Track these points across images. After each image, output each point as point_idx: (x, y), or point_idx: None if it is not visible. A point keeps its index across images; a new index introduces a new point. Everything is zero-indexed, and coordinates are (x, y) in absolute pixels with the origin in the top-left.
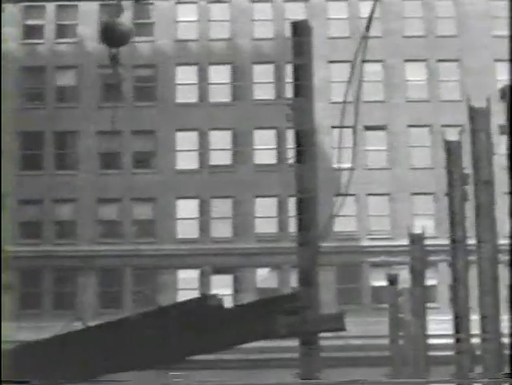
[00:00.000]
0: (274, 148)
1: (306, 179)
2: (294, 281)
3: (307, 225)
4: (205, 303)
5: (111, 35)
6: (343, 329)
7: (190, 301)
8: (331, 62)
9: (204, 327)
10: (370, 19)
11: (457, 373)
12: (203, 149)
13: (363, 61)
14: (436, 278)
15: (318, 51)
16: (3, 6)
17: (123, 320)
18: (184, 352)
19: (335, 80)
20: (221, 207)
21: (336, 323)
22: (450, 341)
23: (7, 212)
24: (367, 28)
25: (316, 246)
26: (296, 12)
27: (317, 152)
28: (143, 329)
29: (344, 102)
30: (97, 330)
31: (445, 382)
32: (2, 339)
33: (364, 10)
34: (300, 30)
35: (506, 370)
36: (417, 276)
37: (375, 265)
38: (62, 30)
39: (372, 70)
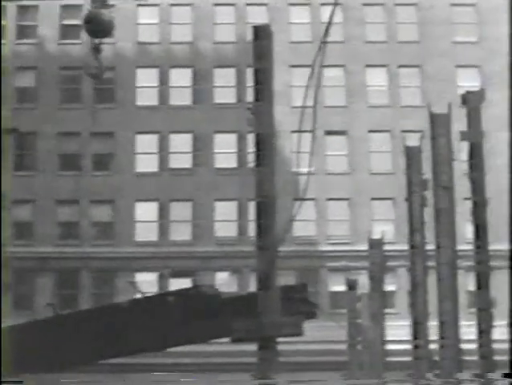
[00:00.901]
0: (234, 152)
1: (266, 183)
2: (253, 285)
3: (266, 229)
4: (202, 292)
5: (95, 26)
6: (300, 334)
7: (187, 289)
8: (293, 66)
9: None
10: (329, 24)
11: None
12: (163, 152)
13: (324, 66)
14: (395, 284)
15: (279, 56)
16: (3, 4)
17: (114, 306)
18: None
19: (296, 85)
20: (181, 210)
21: (293, 328)
22: (408, 346)
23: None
24: (326, 33)
25: (275, 250)
26: (258, 16)
27: (277, 157)
28: (134, 315)
29: (303, 106)
30: (87, 315)
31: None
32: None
33: (326, 14)
34: (261, 34)
35: (466, 375)
36: (376, 281)
37: (335, 269)
38: (22, 31)
39: (333, 75)
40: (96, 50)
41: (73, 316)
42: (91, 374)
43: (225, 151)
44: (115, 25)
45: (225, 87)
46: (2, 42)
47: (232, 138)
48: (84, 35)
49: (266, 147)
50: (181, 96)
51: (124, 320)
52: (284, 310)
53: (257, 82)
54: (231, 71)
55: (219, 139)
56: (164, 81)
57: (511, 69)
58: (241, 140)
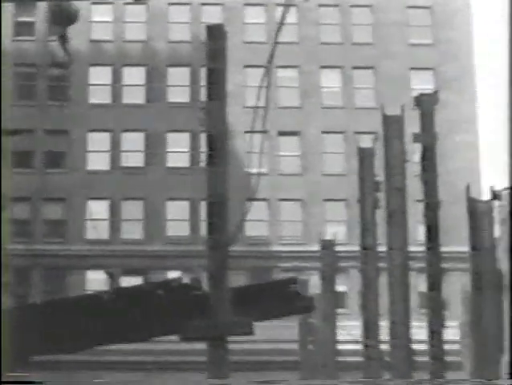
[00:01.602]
0: (187, 151)
1: (218, 183)
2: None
3: (218, 229)
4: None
5: (61, 15)
6: (251, 333)
7: (171, 280)
8: (247, 66)
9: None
10: (281, 25)
11: (366, 379)
12: (115, 150)
13: (279, 66)
14: (347, 284)
15: (233, 56)
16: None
17: (99, 295)
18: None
19: (251, 85)
20: (133, 209)
21: (244, 328)
22: (359, 347)
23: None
24: (277, 34)
25: (226, 250)
26: (213, 16)
27: (230, 157)
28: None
29: (256, 107)
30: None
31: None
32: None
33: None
34: (215, 33)
35: (417, 376)
36: (328, 282)
37: (286, 270)
38: None
39: (288, 76)
40: (63, 39)
41: (56, 303)
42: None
43: (178, 150)
44: (80, 15)
45: (178, 86)
46: None
47: (185, 137)
48: (40, 31)
49: (218, 146)
50: (134, 95)
51: (109, 309)
52: (279, 306)
53: (210, 81)
54: (185, 71)
55: (172, 138)
56: (117, 79)
57: (511, 69)
58: (194, 140)
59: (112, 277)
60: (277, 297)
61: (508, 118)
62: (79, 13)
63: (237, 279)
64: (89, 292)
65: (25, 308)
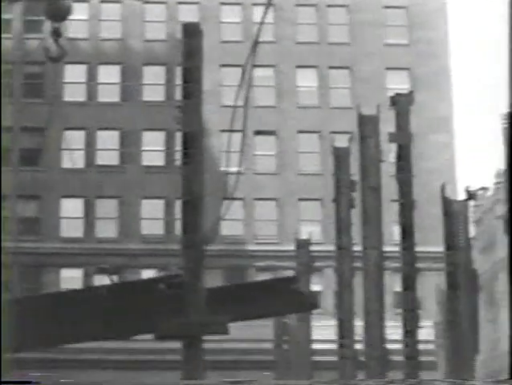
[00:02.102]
0: (162, 150)
1: (193, 181)
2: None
3: (193, 228)
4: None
5: (54, 10)
6: (225, 333)
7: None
8: (223, 65)
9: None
10: (261, 24)
11: (341, 378)
12: (90, 148)
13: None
14: (322, 284)
15: (210, 54)
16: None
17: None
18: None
19: (227, 84)
20: (107, 207)
21: (219, 327)
22: (334, 346)
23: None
24: (258, 33)
25: (201, 249)
26: (189, 15)
27: (206, 155)
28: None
29: (233, 106)
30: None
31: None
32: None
33: (258, 14)
34: (191, 32)
35: (391, 375)
36: (303, 281)
37: (262, 269)
38: None
39: (264, 75)
40: (56, 33)
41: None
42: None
43: (153, 148)
44: (72, 9)
45: (154, 84)
46: None
47: (160, 136)
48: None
49: (194, 145)
50: (110, 93)
51: (112, 303)
52: (284, 303)
53: (186, 80)
54: (161, 69)
55: (147, 136)
56: (92, 77)
57: (511, 67)
58: (170, 138)
59: (106, 272)
60: (280, 294)
61: (508, 118)
62: (71, 8)
63: (213, 278)
64: (88, 286)
65: (21, 301)
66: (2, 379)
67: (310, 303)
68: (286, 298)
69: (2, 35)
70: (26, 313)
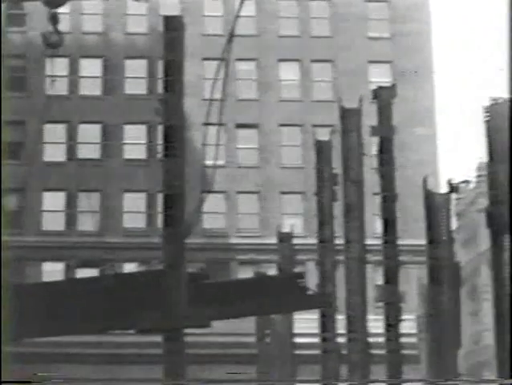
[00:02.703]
0: (144, 143)
1: (174, 174)
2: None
3: (174, 221)
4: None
5: None
6: (207, 325)
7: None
8: (205, 59)
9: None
10: (237, 17)
11: (323, 373)
12: (72, 142)
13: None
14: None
15: (192, 48)
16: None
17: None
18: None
19: (209, 77)
20: (89, 200)
21: (200, 320)
22: (317, 340)
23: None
24: (234, 26)
25: (183, 242)
26: (171, 8)
27: (187, 149)
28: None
29: (213, 99)
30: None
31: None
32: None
33: (243, 8)
34: (173, 25)
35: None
36: (285, 274)
37: (244, 262)
38: None
39: (246, 69)
40: (54, 19)
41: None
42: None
43: (135, 142)
44: None
45: (136, 78)
46: None
47: (142, 129)
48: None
49: (175, 138)
50: (91, 86)
51: (110, 294)
52: (297, 299)
53: (167, 73)
54: (143, 63)
55: (129, 130)
56: (74, 70)
57: (511, 67)
58: (152, 132)
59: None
60: (292, 290)
61: (508, 118)
62: None
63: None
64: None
65: (23, 287)
66: (2, 379)
67: (320, 301)
68: (295, 296)
69: None
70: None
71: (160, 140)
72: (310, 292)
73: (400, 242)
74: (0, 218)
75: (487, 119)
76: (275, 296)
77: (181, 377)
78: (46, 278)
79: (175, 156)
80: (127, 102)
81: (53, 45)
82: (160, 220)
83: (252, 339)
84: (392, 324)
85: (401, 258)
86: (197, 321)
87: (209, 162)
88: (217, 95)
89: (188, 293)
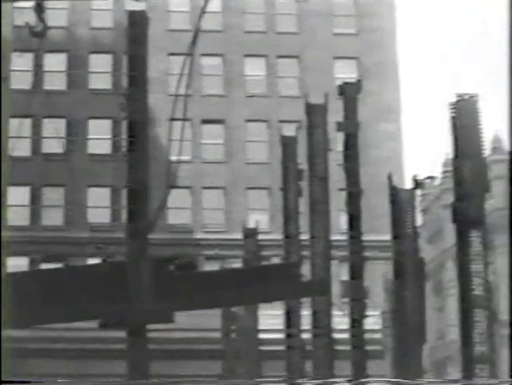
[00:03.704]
0: (108, 138)
1: (139, 170)
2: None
3: (138, 216)
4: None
5: None
6: (171, 321)
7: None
8: (171, 54)
9: None
10: (202, 12)
11: (288, 369)
12: (36, 136)
13: (203, 54)
14: None
15: (157, 43)
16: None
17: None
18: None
19: (175, 73)
20: (53, 195)
21: (164, 315)
22: (282, 336)
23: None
24: (199, 21)
25: (146, 237)
26: (136, 3)
27: (151, 144)
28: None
29: (178, 95)
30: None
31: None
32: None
33: (209, 3)
34: (137, 20)
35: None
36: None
37: (209, 258)
38: None
39: (212, 64)
40: (40, 9)
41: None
42: None
43: (100, 137)
44: None
45: (100, 72)
46: None
47: (106, 124)
48: None
49: (139, 134)
50: (56, 81)
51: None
52: (292, 288)
53: (131, 68)
54: (107, 57)
55: (93, 124)
56: (39, 65)
57: (511, 68)
58: (116, 127)
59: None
60: (287, 279)
61: (508, 117)
62: None
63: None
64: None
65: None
66: (2, 379)
67: (320, 290)
68: (296, 284)
69: None
70: None
71: (124, 135)
72: (304, 279)
73: (365, 238)
74: (0, 218)
75: (453, 115)
76: (271, 284)
77: (145, 372)
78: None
79: (139, 151)
80: (91, 97)
81: (38, 34)
82: (124, 216)
83: (218, 335)
84: (357, 319)
85: (366, 254)
86: (160, 316)
87: (173, 157)
88: (183, 91)
89: (179, 282)
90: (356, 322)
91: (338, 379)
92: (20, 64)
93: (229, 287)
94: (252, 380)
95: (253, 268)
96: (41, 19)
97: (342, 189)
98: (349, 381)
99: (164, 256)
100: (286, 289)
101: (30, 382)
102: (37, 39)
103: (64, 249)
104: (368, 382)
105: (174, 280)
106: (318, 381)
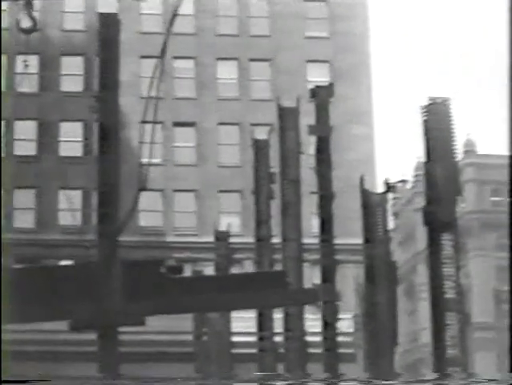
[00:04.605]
0: (80, 141)
1: (110, 172)
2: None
3: (108, 218)
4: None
5: None
6: (142, 323)
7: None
8: (143, 57)
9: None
10: (174, 15)
11: (261, 370)
12: (8, 139)
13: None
14: None
15: (129, 46)
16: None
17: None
18: None
19: (146, 75)
20: (25, 197)
21: (135, 318)
22: (254, 338)
23: None
24: (171, 24)
25: (116, 239)
26: (108, 5)
27: (122, 146)
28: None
29: (149, 97)
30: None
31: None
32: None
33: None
34: (108, 22)
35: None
36: (222, 273)
37: (181, 260)
38: None
39: (184, 67)
40: (29, 5)
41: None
42: None
43: (71, 139)
44: None
45: (72, 75)
46: None
47: (78, 126)
48: None
49: (111, 136)
50: (28, 83)
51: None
52: (283, 296)
53: (103, 71)
54: (79, 60)
55: (65, 127)
56: (10, 67)
57: (511, 68)
58: (88, 129)
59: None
60: (277, 287)
61: (508, 117)
62: None
63: None
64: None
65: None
66: (2, 379)
67: (312, 298)
68: (280, 291)
69: None
70: None
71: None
72: (293, 287)
73: (336, 241)
74: (0, 218)
75: (425, 118)
76: (261, 291)
77: (116, 374)
78: None
79: (110, 154)
80: (63, 99)
81: (27, 31)
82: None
83: (189, 337)
84: (329, 323)
85: (338, 257)
86: (131, 318)
87: (145, 160)
88: (155, 93)
89: (169, 284)
90: (329, 325)
91: (311, 380)
92: None
93: (220, 292)
94: (227, 380)
95: (246, 274)
96: (30, 16)
97: (314, 192)
98: (322, 381)
99: (154, 259)
100: (275, 296)
101: (30, 382)
102: (25, 36)
103: (36, 250)
104: (341, 381)
105: (165, 282)
106: (292, 382)
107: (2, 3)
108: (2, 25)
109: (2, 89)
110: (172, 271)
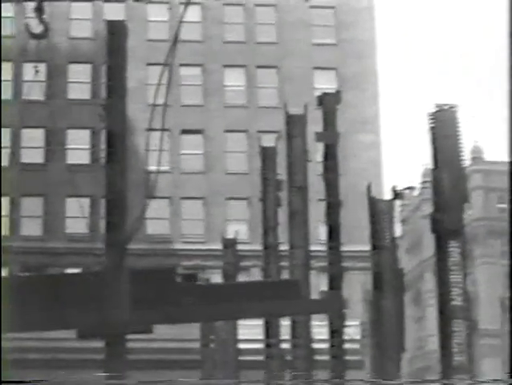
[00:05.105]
0: (87, 148)
1: (117, 180)
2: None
3: (116, 226)
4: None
5: None
6: (149, 331)
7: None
8: (150, 64)
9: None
10: (181, 22)
11: (268, 378)
12: (14, 147)
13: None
14: None
15: (136, 53)
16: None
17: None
18: None
19: (153, 83)
20: (32, 205)
21: (143, 326)
22: (261, 345)
23: None
24: (178, 31)
25: (124, 248)
26: (115, 13)
27: (130, 154)
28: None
29: (156, 105)
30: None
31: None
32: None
33: (188, 14)
34: (116, 30)
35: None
36: (229, 280)
37: (188, 268)
38: None
39: (191, 74)
40: (39, 10)
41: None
42: None
43: (78, 147)
44: None
45: (79, 82)
46: None
47: (85, 134)
48: None
49: (118, 144)
50: (35, 91)
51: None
52: (296, 305)
53: (110, 78)
54: (86, 67)
55: (72, 134)
56: (17, 75)
57: (511, 68)
58: (95, 137)
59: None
60: (290, 296)
61: (508, 118)
62: None
63: None
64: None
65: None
66: (2, 379)
67: (324, 307)
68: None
69: None
70: None
71: (103, 145)
72: (306, 298)
73: (344, 248)
74: (0, 219)
75: (432, 125)
76: (273, 300)
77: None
78: None
79: (118, 162)
80: (70, 107)
81: (38, 36)
82: (103, 226)
83: (197, 345)
84: (336, 330)
85: (345, 264)
86: (139, 327)
87: (152, 167)
88: (162, 101)
89: (184, 292)
90: (335, 332)
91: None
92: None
93: (234, 300)
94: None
95: (259, 282)
96: (41, 21)
97: (321, 200)
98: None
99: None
100: (288, 306)
101: (30, 382)
102: (36, 41)
103: (43, 259)
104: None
105: (179, 291)
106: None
107: (9, 10)
108: (9, 32)
109: (9, 97)
110: (186, 279)
